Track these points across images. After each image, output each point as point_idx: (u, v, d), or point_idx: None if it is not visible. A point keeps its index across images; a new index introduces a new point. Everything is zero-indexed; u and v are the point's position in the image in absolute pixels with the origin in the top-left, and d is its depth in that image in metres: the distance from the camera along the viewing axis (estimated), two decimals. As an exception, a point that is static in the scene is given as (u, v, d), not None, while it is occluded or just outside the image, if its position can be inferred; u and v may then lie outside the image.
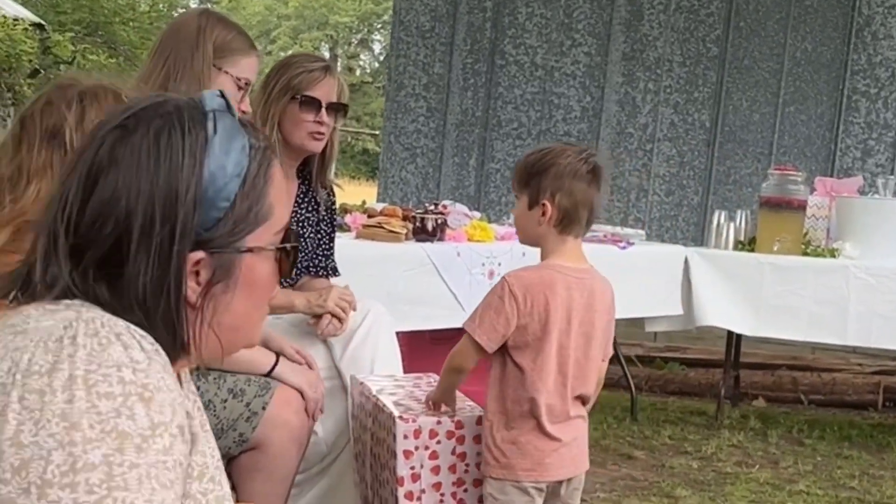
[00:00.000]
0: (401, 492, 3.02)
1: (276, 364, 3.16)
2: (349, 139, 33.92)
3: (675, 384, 7.21)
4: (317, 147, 3.71)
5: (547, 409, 2.91)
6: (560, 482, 2.98)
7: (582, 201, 2.92)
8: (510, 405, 2.94)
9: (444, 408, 3.09)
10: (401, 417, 3.03)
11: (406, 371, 3.81)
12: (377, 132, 33.64)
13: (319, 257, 3.91)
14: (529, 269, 2.97)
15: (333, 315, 3.55)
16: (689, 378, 7.25)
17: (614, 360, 6.59)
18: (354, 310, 3.61)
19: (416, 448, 3.03)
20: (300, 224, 3.83)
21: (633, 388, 6.34)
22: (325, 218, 3.93)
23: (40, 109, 2.05)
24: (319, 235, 3.91)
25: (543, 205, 2.92)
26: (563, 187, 2.91)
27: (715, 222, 6.30)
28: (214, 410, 3.00)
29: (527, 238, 3.03)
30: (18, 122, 2.07)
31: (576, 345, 2.94)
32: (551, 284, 2.90)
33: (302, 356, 3.29)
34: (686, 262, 6.02)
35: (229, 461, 3.09)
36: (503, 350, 2.95)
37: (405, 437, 3.02)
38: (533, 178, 2.94)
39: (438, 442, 3.04)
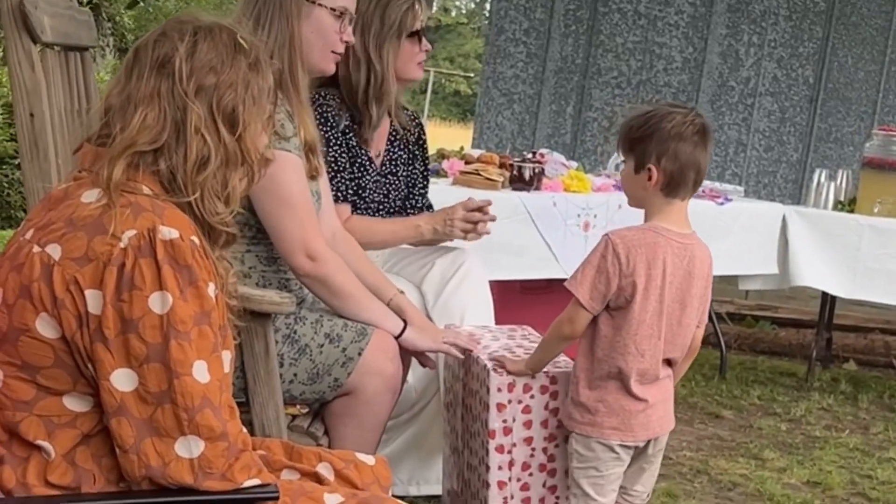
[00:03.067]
0: (492, 444, 3.01)
1: (403, 330, 3.15)
2: (442, 80, 33.82)
3: (765, 343, 7.12)
4: (421, 75, 3.77)
5: (638, 372, 2.88)
6: (647, 442, 2.96)
7: (688, 164, 2.86)
8: (599, 364, 2.90)
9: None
10: (495, 370, 3.02)
11: (496, 321, 3.81)
12: (470, 74, 33.48)
13: (416, 196, 3.91)
14: (633, 230, 2.93)
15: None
16: (780, 338, 7.16)
17: (705, 316, 6.54)
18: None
19: (510, 402, 3.02)
20: (392, 163, 3.81)
21: (723, 346, 6.27)
22: (418, 155, 3.91)
23: (154, 39, 2.06)
24: (413, 174, 3.90)
25: (649, 169, 2.87)
26: (668, 151, 2.85)
27: (815, 181, 6.18)
28: (310, 355, 3.01)
29: (634, 201, 2.99)
30: (133, 53, 2.08)
31: (670, 310, 2.89)
32: (653, 246, 2.86)
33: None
34: (784, 220, 5.91)
35: (322, 406, 3.11)
36: None
37: (499, 390, 3.01)
38: (638, 143, 2.89)
39: (532, 396, 3.03)
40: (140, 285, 1.89)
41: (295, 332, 3.02)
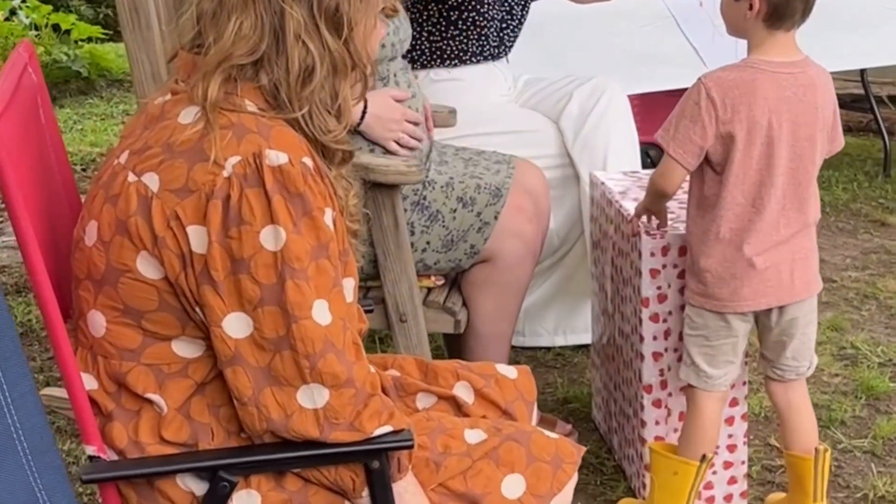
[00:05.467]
0: (645, 313, 2.78)
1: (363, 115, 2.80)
2: None
3: (931, 127, 6.67)
4: None
5: (752, 230, 2.54)
6: (768, 311, 2.63)
7: None
8: (709, 227, 2.57)
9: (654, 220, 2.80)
10: (647, 232, 2.77)
11: (639, 135, 3.55)
12: None
13: None
14: (729, 69, 2.57)
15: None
16: (948, 120, 6.69)
17: (864, 102, 6.10)
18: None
19: (664, 266, 2.76)
20: None
21: (885, 135, 5.84)
22: None
23: None
24: None
25: None
26: None
27: None
28: (443, 221, 2.80)
29: (732, 29, 2.62)
30: None
31: (793, 152, 2.54)
32: (752, 84, 2.51)
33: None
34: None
35: (459, 275, 2.91)
36: (702, 165, 2.58)
37: (652, 254, 2.76)
38: None
39: (688, 259, 2.77)
40: (249, 220, 1.68)
41: (425, 199, 2.81)
